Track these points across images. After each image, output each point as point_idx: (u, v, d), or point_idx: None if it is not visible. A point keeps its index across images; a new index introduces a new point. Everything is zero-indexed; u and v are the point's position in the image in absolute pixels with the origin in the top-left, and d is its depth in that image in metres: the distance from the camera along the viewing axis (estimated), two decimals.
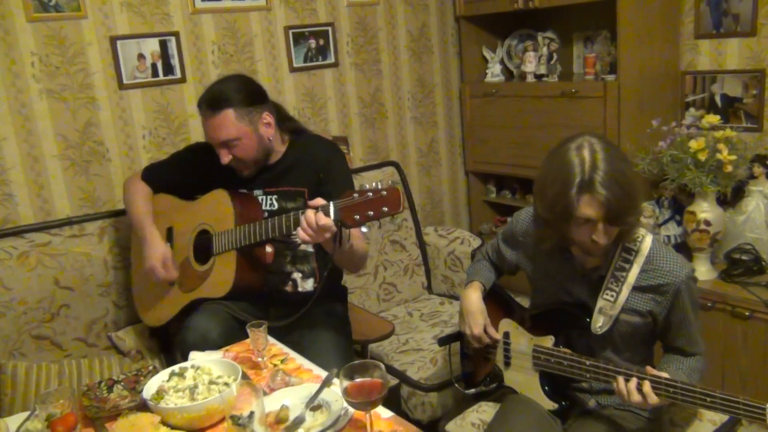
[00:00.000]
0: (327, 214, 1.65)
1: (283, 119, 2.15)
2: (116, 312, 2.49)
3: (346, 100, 3.20)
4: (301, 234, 1.71)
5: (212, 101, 1.99)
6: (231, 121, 1.97)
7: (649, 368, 1.56)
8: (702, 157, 2.50)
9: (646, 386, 1.52)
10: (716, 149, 2.49)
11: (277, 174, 2.11)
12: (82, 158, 2.54)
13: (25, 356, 2.29)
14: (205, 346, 1.82)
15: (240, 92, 2.00)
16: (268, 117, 2.05)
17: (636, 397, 1.53)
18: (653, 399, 1.51)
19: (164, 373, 1.59)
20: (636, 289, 1.67)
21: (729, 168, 2.47)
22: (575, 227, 1.58)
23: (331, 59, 3.10)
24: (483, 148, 3.47)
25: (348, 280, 2.44)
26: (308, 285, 2.13)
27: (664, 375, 1.54)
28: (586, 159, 1.54)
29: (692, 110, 2.95)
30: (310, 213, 1.67)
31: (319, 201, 1.69)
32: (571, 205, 1.53)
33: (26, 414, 1.55)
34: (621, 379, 1.56)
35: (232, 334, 1.92)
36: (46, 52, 2.41)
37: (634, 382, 1.54)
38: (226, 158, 2.02)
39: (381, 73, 3.30)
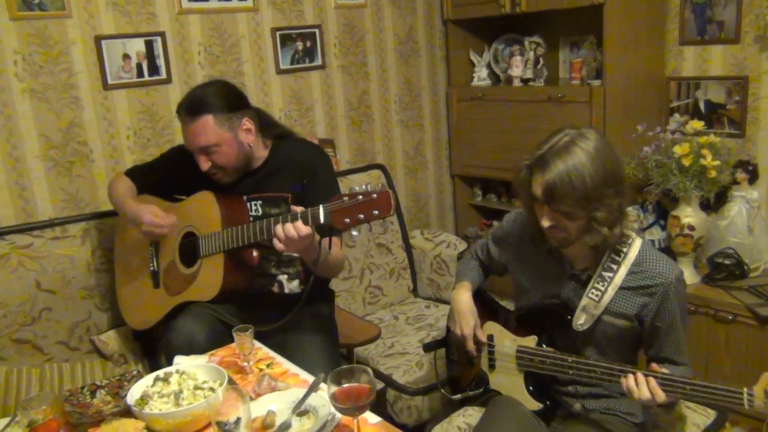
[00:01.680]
0: (316, 217, 1.64)
1: (266, 125, 2.13)
2: (99, 315, 2.46)
3: (333, 103, 3.19)
4: (277, 244, 1.71)
5: (191, 107, 1.96)
6: (210, 127, 1.94)
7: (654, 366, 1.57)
8: (686, 162, 2.52)
9: (652, 382, 1.51)
10: (700, 155, 2.52)
11: (260, 179, 2.09)
12: (65, 159, 2.50)
13: (5, 360, 2.25)
14: (190, 349, 1.80)
15: (220, 98, 1.97)
16: (248, 123, 2.02)
17: (646, 394, 1.51)
18: (660, 396, 1.50)
19: (148, 378, 1.57)
20: (624, 289, 1.68)
21: (712, 173, 2.50)
22: (535, 205, 1.65)
23: (318, 61, 3.09)
24: (469, 151, 3.48)
25: (334, 283, 2.43)
26: (294, 286, 2.11)
27: (663, 370, 1.55)
28: (559, 144, 1.58)
29: (677, 116, 2.98)
30: (289, 225, 1.68)
31: (299, 208, 1.70)
32: (523, 177, 1.62)
33: (6, 420, 1.52)
34: (630, 377, 1.54)
35: (218, 337, 1.90)
36: (30, 51, 2.38)
37: (640, 376, 1.52)
38: (205, 165, 1.99)
39: (368, 75, 3.29)
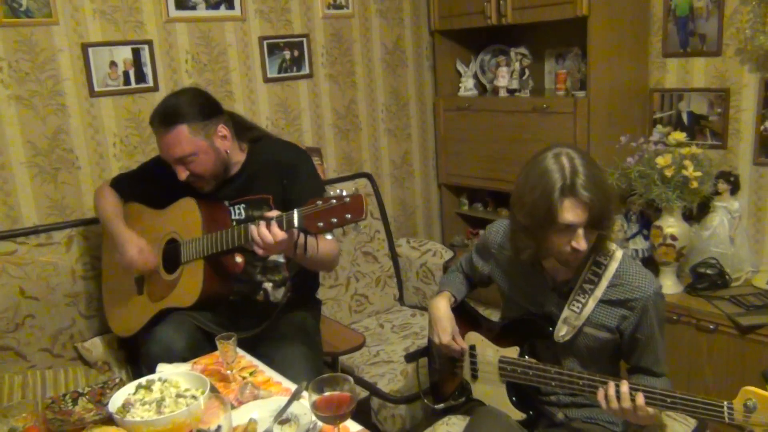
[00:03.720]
0: (291, 222, 1.64)
1: (241, 129, 2.12)
2: (83, 322, 2.45)
3: (321, 112, 3.21)
4: (256, 248, 1.72)
5: (165, 117, 1.95)
6: (185, 137, 1.94)
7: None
8: (669, 173, 2.56)
9: (640, 398, 1.51)
10: (682, 165, 2.56)
11: (241, 184, 2.09)
12: (51, 166, 2.50)
13: None
14: (169, 357, 1.79)
15: (193, 106, 1.96)
16: (223, 130, 2.02)
17: (627, 404, 1.52)
18: (645, 409, 1.50)
19: (131, 386, 1.56)
20: (604, 302, 1.69)
21: (695, 184, 2.54)
22: (555, 235, 1.58)
23: (306, 70, 3.11)
24: (456, 161, 3.50)
25: (319, 291, 2.44)
26: (280, 295, 2.11)
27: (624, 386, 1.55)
28: (566, 165, 1.56)
29: (660, 127, 3.02)
30: (264, 230, 1.68)
31: (274, 213, 1.70)
32: (553, 209, 1.54)
33: None
34: (611, 387, 1.55)
35: (197, 345, 1.90)
36: (16, 58, 2.37)
37: (625, 386, 1.53)
38: (183, 174, 1.99)
39: (355, 85, 3.31)
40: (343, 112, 3.29)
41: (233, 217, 2.08)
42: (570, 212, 1.54)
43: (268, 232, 1.68)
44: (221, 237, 1.90)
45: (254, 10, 2.90)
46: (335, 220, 1.55)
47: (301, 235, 1.76)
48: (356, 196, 1.55)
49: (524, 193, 1.62)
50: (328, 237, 1.59)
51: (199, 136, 1.96)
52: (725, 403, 1.42)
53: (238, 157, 2.10)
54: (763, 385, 1.42)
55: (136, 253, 2.06)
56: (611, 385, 1.56)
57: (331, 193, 1.57)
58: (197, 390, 1.54)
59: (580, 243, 1.57)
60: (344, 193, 1.55)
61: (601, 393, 1.57)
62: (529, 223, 1.61)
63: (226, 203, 2.09)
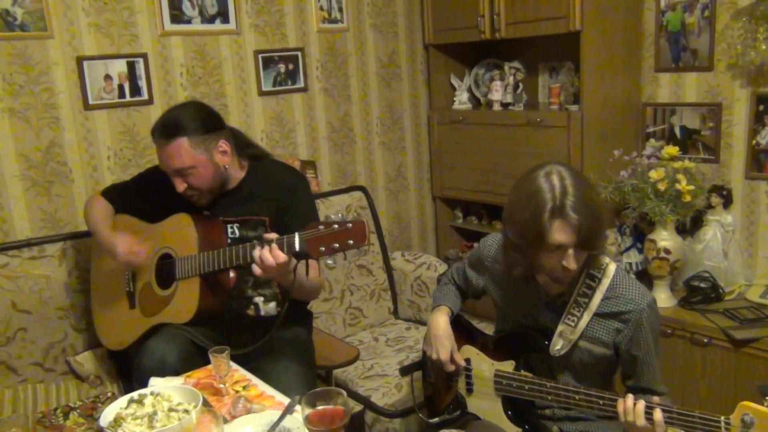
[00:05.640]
0: (291, 245, 1.64)
1: (241, 145, 2.13)
2: (75, 336, 2.44)
3: (315, 125, 3.21)
4: (256, 270, 1.71)
5: (166, 129, 1.96)
6: (185, 150, 1.94)
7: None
8: (662, 186, 2.57)
9: (658, 413, 1.49)
10: (675, 179, 2.57)
11: (237, 201, 2.09)
12: (45, 179, 2.49)
13: None
14: (162, 371, 1.78)
15: (194, 120, 1.97)
16: (224, 145, 2.02)
17: (641, 421, 1.50)
18: (663, 426, 1.49)
19: (122, 400, 1.55)
20: (598, 316, 1.69)
21: (687, 198, 2.55)
22: (546, 254, 1.59)
23: (301, 84, 3.12)
24: (450, 174, 3.51)
25: (314, 304, 2.43)
26: (271, 308, 2.10)
27: (655, 399, 1.54)
28: (556, 185, 1.56)
29: (652, 141, 3.03)
30: (266, 252, 1.68)
31: (273, 235, 1.70)
32: (543, 230, 1.55)
33: None
34: (630, 399, 1.53)
35: (190, 359, 1.88)
36: (10, 71, 2.38)
37: (642, 404, 1.51)
38: (181, 187, 1.99)
39: (350, 98, 3.32)
40: (337, 126, 3.30)
41: (227, 235, 2.07)
42: (559, 233, 1.55)
43: (269, 255, 1.68)
44: (220, 256, 1.90)
45: (249, 24, 2.92)
46: (337, 245, 1.56)
47: (296, 261, 1.76)
48: (359, 221, 1.55)
49: (515, 211, 1.63)
50: (329, 261, 1.59)
51: (198, 149, 1.96)
52: (722, 418, 1.41)
53: (237, 173, 2.10)
54: (759, 399, 1.41)
55: (127, 247, 2.04)
56: (630, 397, 1.54)
57: (333, 217, 1.57)
58: (189, 404, 1.53)
59: (570, 263, 1.59)
60: (346, 218, 1.56)
61: (620, 404, 1.55)
62: (520, 241, 1.62)
63: (221, 219, 2.09)
